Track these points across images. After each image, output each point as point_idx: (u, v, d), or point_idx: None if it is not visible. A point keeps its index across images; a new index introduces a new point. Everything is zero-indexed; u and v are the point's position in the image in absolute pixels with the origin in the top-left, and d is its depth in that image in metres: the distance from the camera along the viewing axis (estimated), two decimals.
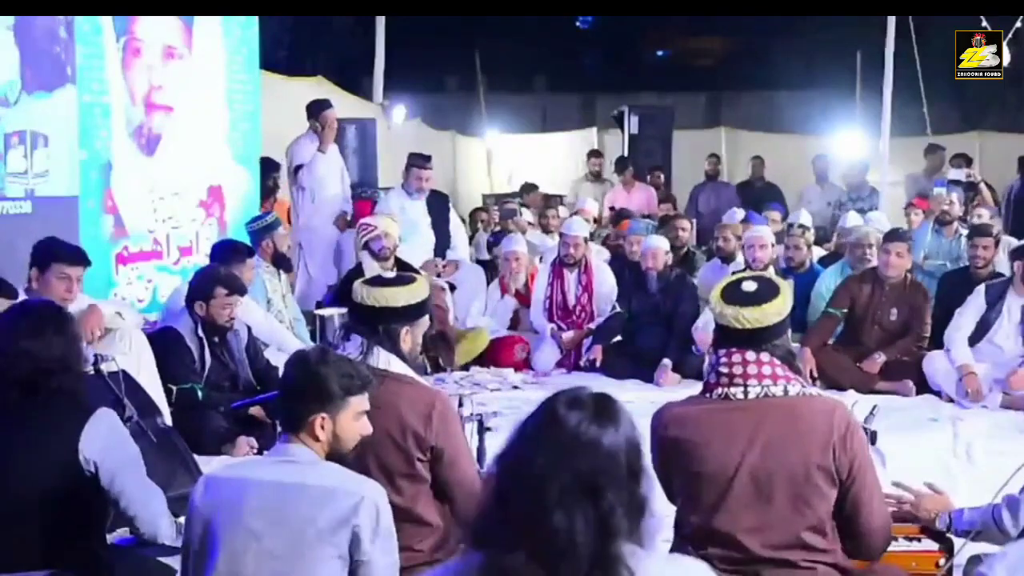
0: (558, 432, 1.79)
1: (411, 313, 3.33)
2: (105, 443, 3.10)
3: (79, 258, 4.97)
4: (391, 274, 3.42)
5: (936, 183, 8.59)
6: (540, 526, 1.73)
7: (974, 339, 6.50)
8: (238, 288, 5.59)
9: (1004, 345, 6.45)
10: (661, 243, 7.59)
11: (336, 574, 2.64)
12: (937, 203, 8.26)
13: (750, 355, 2.94)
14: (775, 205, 10.32)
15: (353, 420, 2.80)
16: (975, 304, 6.53)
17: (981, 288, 6.57)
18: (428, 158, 8.41)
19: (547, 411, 1.83)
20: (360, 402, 2.82)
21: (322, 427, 2.74)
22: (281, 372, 2.93)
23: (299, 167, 8.34)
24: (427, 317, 3.46)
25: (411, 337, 3.34)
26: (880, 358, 6.70)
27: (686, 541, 2.95)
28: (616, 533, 1.76)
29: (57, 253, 4.92)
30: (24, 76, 5.87)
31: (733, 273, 7.42)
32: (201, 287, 5.51)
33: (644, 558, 1.79)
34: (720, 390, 2.96)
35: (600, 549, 1.74)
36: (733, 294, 3.02)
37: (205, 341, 5.53)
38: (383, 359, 3.24)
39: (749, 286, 3.03)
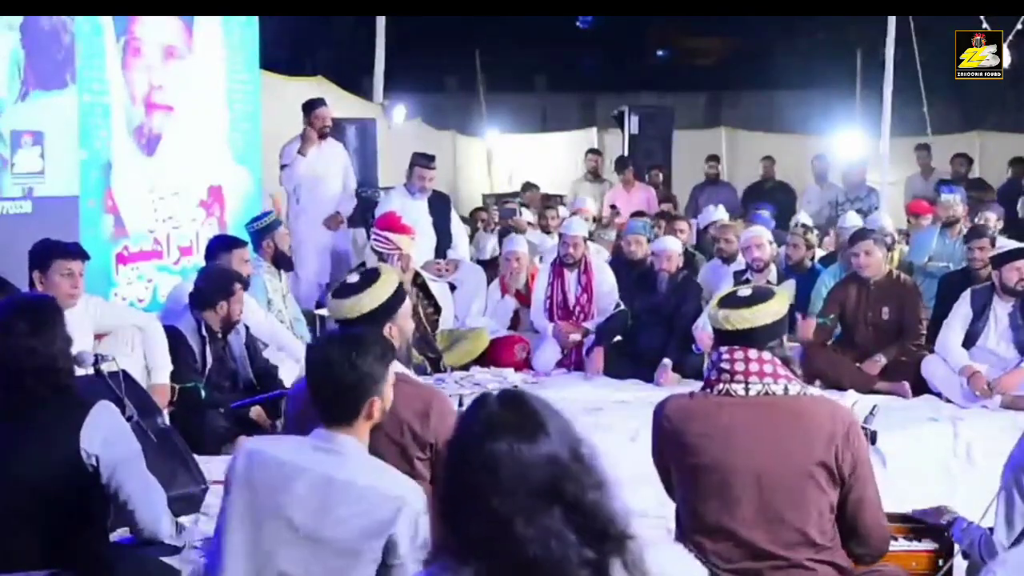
0: (494, 461, 1.76)
1: (387, 309, 3.29)
2: (106, 436, 3.10)
3: (77, 252, 5.04)
4: (354, 278, 3.35)
5: (944, 189, 8.60)
6: (522, 554, 1.72)
7: (965, 346, 6.50)
8: (246, 283, 5.72)
9: (997, 350, 6.45)
10: (674, 245, 7.57)
11: (368, 573, 2.64)
12: (945, 209, 8.28)
13: (752, 353, 2.97)
14: (764, 205, 10.33)
15: (390, 387, 2.84)
16: (961, 312, 6.53)
17: (966, 295, 6.57)
18: (432, 158, 8.41)
19: (474, 448, 1.79)
20: (393, 368, 2.86)
21: (377, 409, 2.77)
22: (304, 368, 2.87)
23: (282, 167, 8.40)
24: (407, 304, 3.42)
25: (397, 330, 3.30)
26: (881, 360, 6.70)
27: (686, 537, 2.96)
28: (595, 515, 1.75)
29: (55, 250, 4.98)
30: (27, 77, 5.87)
31: (735, 273, 7.47)
32: (222, 286, 5.57)
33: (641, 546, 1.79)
34: (721, 386, 2.98)
35: (589, 534, 1.75)
36: (728, 299, 3.09)
37: (207, 340, 5.55)
38: None
39: (745, 291, 3.11)
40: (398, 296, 3.33)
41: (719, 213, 9.28)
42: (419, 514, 2.65)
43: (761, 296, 3.06)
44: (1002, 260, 6.43)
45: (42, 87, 5.99)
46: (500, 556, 1.74)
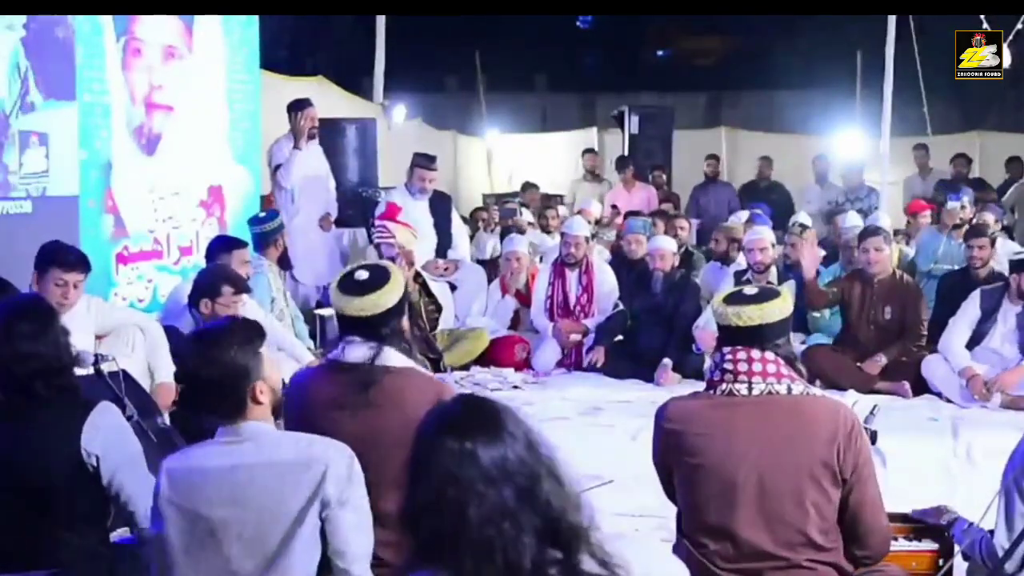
0: (449, 456, 1.82)
1: (401, 306, 3.30)
2: (107, 437, 3.10)
3: (76, 264, 4.92)
4: (363, 275, 3.32)
5: (951, 197, 8.64)
6: (477, 539, 1.78)
7: (969, 345, 6.50)
8: (244, 288, 5.64)
9: (1001, 351, 6.46)
10: (669, 244, 7.58)
11: (311, 545, 2.65)
12: (952, 216, 8.33)
13: (755, 353, 2.96)
14: (759, 205, 10.34)
15: (273, 366, 2.82)
16: (970, 312, 6.53)
17: (976, 295, 6.57)
18: (433, 159, 8.39)
19: (429, 444, 1.86)
20: (263, 345, 2.83)
21: (261, 391, 2.74)
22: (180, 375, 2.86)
23: (277, 167, 8.32)
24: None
25: (405, 325, 3.32)
26: (881, 360, 6.70)
27: (687, 537, 2.96)
28: (550, 502, 1.80)
29: (55, 258, 4.88)
30: (36, 85, 5.88)
31: (735, 273, 7.48)
32: (209, 285, 5.52)
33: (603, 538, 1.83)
34: (724, 386, 2.98)
35: (544, 525, 1.79)
36: (734, 297, 3.08)
37: None
38: (393, 357, 3.21)
39: (750, 290, 3.12)
40: (406, 296, 3.35)
41: (743, 217, 9.26)
42: (345, 469, 2.67)
43: (768, 294, 3.07)
44: (1022, 266, 6.42)
45: (53, 97, 6.00)
46: (463, 550, 1.78)
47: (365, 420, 3.09)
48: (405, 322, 3.31)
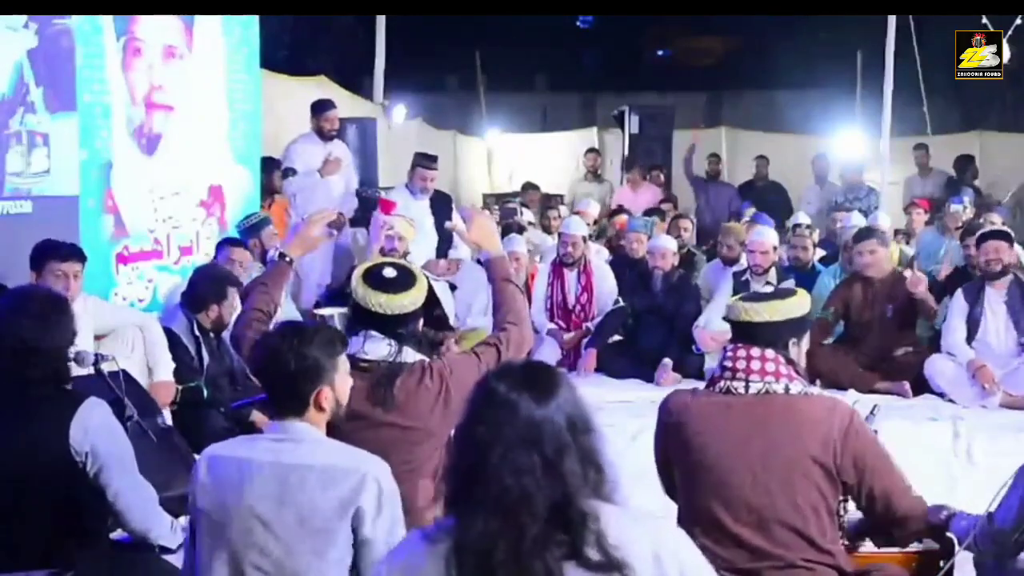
0: (491, 399, 1.92)
1: (420, 311, 3.34)
2: (95, 433, 3.08)
3: (71, 254, 5.00)
4: (391, 273, 3.35)
5: (954, 200, 8.64)
6: (494, 485, 1.86)
7: (968, 340, 6.52)
8: (240, 285, 5.73)
9: (994, 342, 6.47)
10: (669, 243, 7.59)
11: (343, 554, 2.66)
12: (954, 220, 8.34)
13: (755, 351, 2.98)
14: (747, 205, 10.35)
15: (345, 379, 2.84)
16: (957, 307, 6.58)
17: (959, 292, 6.63)
18: (433, 158, 8.41)
19: (482, 384, 1.98)
20: (345, 360, 2.86)
21: (326, 398, 2.76)
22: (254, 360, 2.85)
23: (294, 172, 8.27)
24: None
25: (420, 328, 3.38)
26: (923, 283, 6.68)
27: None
28: (568, 482, 1.87)
29: (49, 252, 4.96)
30: (35, 83, 5.88)
31: (734, 274, 7.47)
32: (214, 290, 5.58)
33: (605, 513, 1.91)
34: (723, 384, 3.00)
35: (557, 501, 1.86)
36: (750, 295, 3.14)
37: (201, 339, 5.58)
38: (410, 357, 3.24)
39: (766, 288, 3.14)
40: (425, 303, 3.38)
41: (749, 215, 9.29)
42: (380, 484, 2.67)
43: (781, 294, 3.11)
44: (983, 239, 6.58)
45: (53, 96, 5.99)
46: (478, 495, 1.86)
47: (393, 415, 3.12)
48: (420, 325, 3.35)
